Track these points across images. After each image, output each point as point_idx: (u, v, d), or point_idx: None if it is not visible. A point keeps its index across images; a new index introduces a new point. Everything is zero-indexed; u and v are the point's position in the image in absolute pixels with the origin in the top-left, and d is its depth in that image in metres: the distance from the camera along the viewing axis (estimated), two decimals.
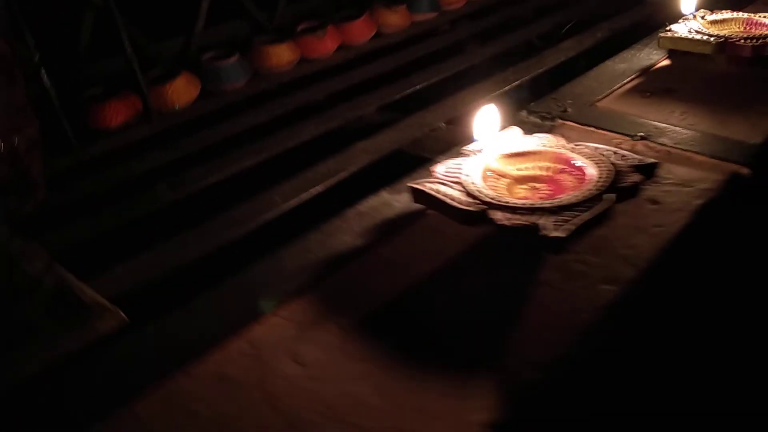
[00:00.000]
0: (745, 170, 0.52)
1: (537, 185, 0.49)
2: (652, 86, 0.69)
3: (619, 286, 0.43)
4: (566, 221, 0.42)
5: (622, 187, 0.45)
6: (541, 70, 0.80)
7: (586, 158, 0.49)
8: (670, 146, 0.56)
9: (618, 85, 0.70)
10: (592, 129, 0.61)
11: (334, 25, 0.98)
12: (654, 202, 0.50)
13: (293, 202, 0.57)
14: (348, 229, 0.51)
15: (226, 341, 0.42)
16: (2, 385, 0.38)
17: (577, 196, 0.44)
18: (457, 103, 0.75)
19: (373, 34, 1.03)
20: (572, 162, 0.49)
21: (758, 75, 0.66)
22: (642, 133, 0.59)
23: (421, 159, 0.62)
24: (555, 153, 0.51)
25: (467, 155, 0.52)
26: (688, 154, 0.55)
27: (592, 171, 0.47)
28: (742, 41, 0.66)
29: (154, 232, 0.58)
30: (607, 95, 0.68)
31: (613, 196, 0.44)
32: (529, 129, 0.63)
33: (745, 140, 0.56)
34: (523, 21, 1.09)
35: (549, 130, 0.62)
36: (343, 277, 0.46)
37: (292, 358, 0.40)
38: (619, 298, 0.42)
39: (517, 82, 0.77)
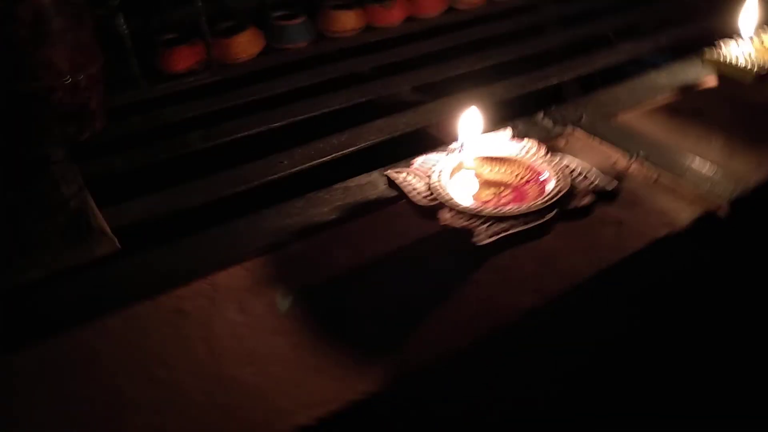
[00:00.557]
0: (722, 211, 0.52)
1: (503, 191, 0.52)
2: (684, 106, 0.67)
3: (544, 297, 0.45)
4: (504, 231, 0.45)
5: (568, 207, 0.47)
6: (583, 72, 0.79)
7: (554, 173, 0.50)
8: (664, 171, 0.56)
9: (649, 100, 0.69)
10: (597, 142, 0.61)
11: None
12: (618, 223, 0.51)
13: (296, 169, 0.62)
14: (329, 202, 0.56)
15: (193, 280, 0.49)
16: (7, 283, 0.47)
17: (519, 208, 0.46)
18: (491, 92, 0.76)
19: (445, 8, 1.05)
20: (540, 174, 0.51)
21: None
22: (643, 154, 0.59)
23: (435, 144, 0.65)
24: (529, 162, 0.53)
25: (450, 151, 0.55)
26: (679, 181, 0.55)
27: (550, 186, 0.49)
28: None
29: (181, 173, 0.66)
30: (633, 109, 0.67)
31: (552, 214, 0.46)
32: (538, 133, 0.64)
33: (742, 178, 0.55)
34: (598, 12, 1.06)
35: (556, 137, 0.63)
36: (308, 245, 0.52)
37: (239, 306, 0.47)
38: (540, 308, 0.44)
39: (555, 81, 0.78)
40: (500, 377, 0.46)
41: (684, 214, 0.52)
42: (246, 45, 0.90)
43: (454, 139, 0.54)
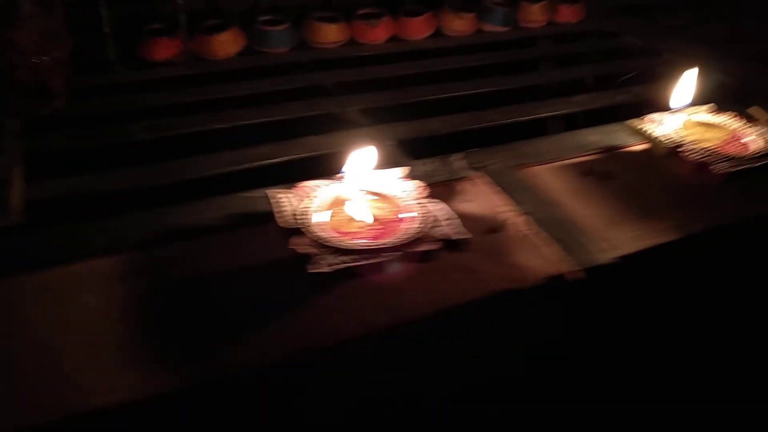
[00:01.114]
0: (573, 276, 0.53)
1: (373, 225, 0.55)
2: (598, 168, 0.68)
3: (363, 329, 0.48)
4: (344, 263, 0.49)
5: (408, 250, 0.50)
6: (521, 118, 0.81)
7: (417, 216, 0.53)
8: (542, 228, 0.58)
9: (567, 156, 0.70)
10: (496, 190, 0.64)
11: (391, 18, 1.04)
12: (469, 272, 0.53)
13: (212, 173, 0.67)
14: (222, 208, 0.60)
15: (72, 262, 0.54)
16: None
17: (364, 244, 0.50)
18: (427, 125, 0.79)
19: (431, 32, 1.07)
20: (405, 215, 0.54)
21: (705, 190, 0.64)
22: (529, 209, 0.61)
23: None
24: (402, 202, 0.56)
25: (337, 180, 0.58)
26: (549, 241, 0.57)
27: (405, 228, 0.52)
28: (690, 154, 0.64)
29: (121, 159, 0.71)
30: (548, 162, 0.69)
31: (389, 256, 0.49)
32: (446, 173, 0.67)
33: (614, 248, 0.56)
34: (589, 57, 1.07)
35: (460, 180, 0.66)
36: (187, 246, 0.56)
37: (101, 291, 0.51)
38: (355, 339, 0.48)
39: (495, 123, 0.80)
40: (302, 397, 0.49)
41: (538, 273, 0.54)
42: (225, 44, 0.95)
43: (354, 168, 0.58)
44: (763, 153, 0.63)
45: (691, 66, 0.74)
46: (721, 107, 0.74)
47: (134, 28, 0.92)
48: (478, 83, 0.90)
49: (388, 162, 0.67)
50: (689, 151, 0.63)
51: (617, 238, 0.57)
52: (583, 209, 0.61)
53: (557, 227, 0.58)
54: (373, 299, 0.50)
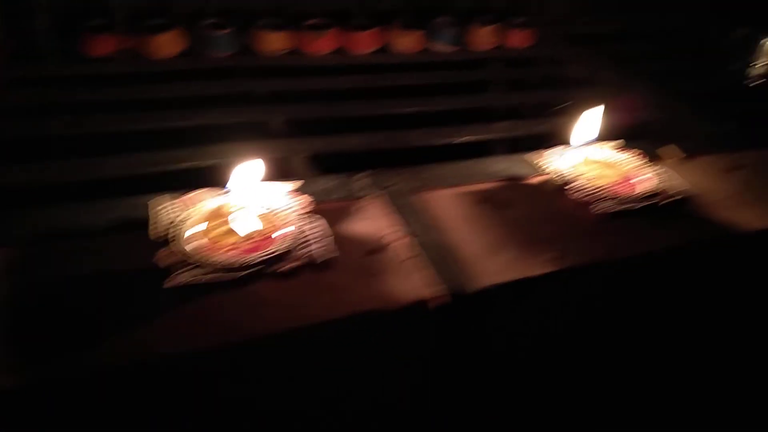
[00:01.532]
0: (438, 302, 0.54)
1: (247, 240, 0.56)
2: (497, 197, 0.69)
3: (216, 343, 0.49)
4: (202, 277, 0.50)
5: (271, 268, 0.51)
6: (438, 142, 0.82)
7: (290, 233, 0.55)
8: (423, 253, 0.59)
9: (469, 183, 0.71)
10: (390, 212, 0.65)
11: (338, 30, 1.05)
12: (336, 291, 0.54)
13: (119, 174, 0.68)
14: (110, 211, 0.61)
15: None
16: None
17: (225, 259, 0.51)
18: (345, 140, 0.80)
19: (377, 48, 1.09)
20: (278, 231, 0.55)
21: (586, 227, 0.65)
22: (416, 232, 0.62)
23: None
24: (279, 220, 0.57)
25: (223, 193, 0.59)
26: (427, 265, 0.58)
27: (273, 245, 0.53)
28: (575, 192, 0.65)
29: (37, 153, 0.72)
30: (449, 188, 0.70)
31: (248, 271, 0.50)
32: (345, 192, 0.68)
33: (487, 276, 0.57)
34: (532, 84, 1.09)
35: (357, 199, 0.67)
36: (60, 247, 0.57)
37: None
38: (207, 352, 0.49)
39: (403, 146, 0.81)
40: (152, 412, 0.50)
41: (404, 297, 0.55)
42: (166, 44, 0.96)
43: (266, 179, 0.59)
44: (647, 195, 0.64)
45: (616, 100, 0.75)
46: (634, 143, 0.75)
47: (77, 21, 0.93)
48: (414, 102, 0.91)
49: (293, 175, 0.68)
50: (575, 189, 0.65)
51: (491, 268, 0.59)
52: (470, 236, 0.63)
53: (438, 252, 0.59)
54: (234, 313, 0.51)
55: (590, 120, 0.71)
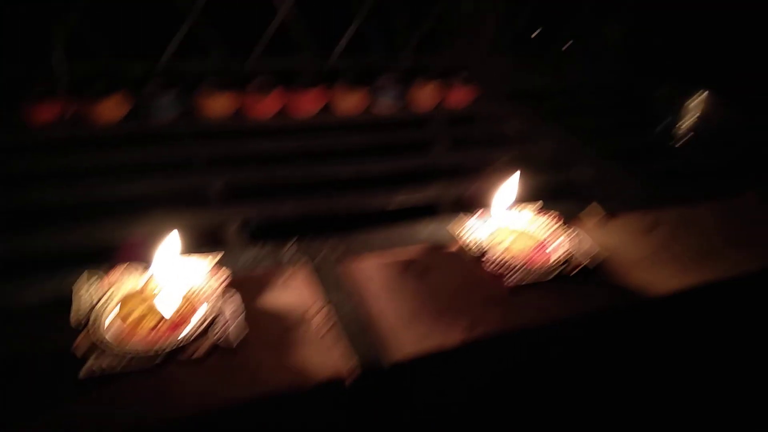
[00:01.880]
0: (350, 376, 0.56)
1: (167, 321, 0.58)
2: (420, 263, 0.72)
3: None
4: (111, 367, 0.51)
5: (181, 355, 0.53)
6: (371, 206, 0.85)
7: (201, 317, 0.57)
8: (341, 325, 0.61)
9: (393, 249, 0.73)
10: (313, 283, 0.67)
11: (282, 90, 1.08)
12: (248, 370, 0.56)
13: (28, 250, 0.70)
14: (29, 292, 0.62)
15: None
16: None
17: (138, 346, 0.52)
18: (277, 206, 0.82)
19: (321, 108, 1.12)
20: (192, 314, 0.57)
21: (500, 297, 0.67)
22: (336, 306, 0.64)
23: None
24: (200, 297, 0.59)
25: (147, 269, 0.61)
26: (343, 338, 0.60)
27: (182, 331, 0.55)
28: (489, 264, 0.68)
29: None
30: (373, 256, 0.72)
31: (153, 361, 0.52)
32: (270, 260, 0.70)
33: (399, 349, 0.59)
34: (474, 142, 1.13)
35: (283, 269, 0.69)
36: None
37: None
38: None
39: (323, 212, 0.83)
40: None
41: (318, 373, 0.57)
42: (109, 109, 0.98)
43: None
44: (559, 264, 0.68)
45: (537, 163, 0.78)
46: (557, 203, 0.78)
47: (20, 88, 0.95)
48: (355, 163, 0.94)
49: (225, 244, 0.70)
50: (489, 260, 0.68)
51: (406, 339, 0.61)
52: (389, 306, 0.65)
53: (357, 325, 0.61)
54: (147, 400, 0.52)
55: (509, 185, 0.74)
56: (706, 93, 1.15)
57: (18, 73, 0.95)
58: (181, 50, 1.05)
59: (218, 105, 1.03)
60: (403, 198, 0.88)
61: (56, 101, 0.94)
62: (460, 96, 1.19)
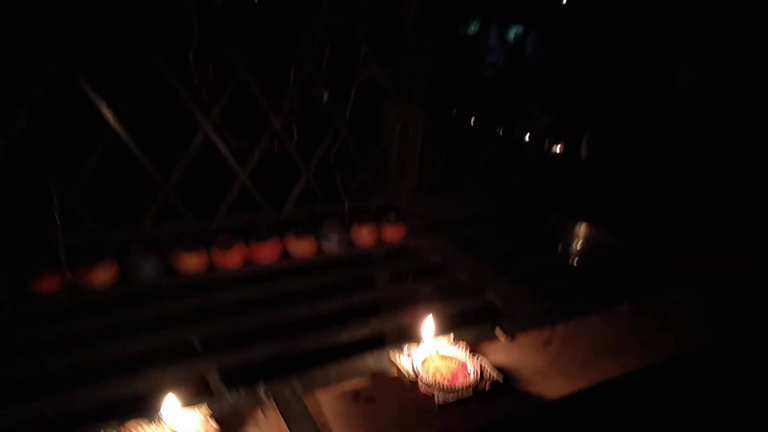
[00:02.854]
0: None
1: None
2: (367, 393, 0.90)
3: None
4: None
5: None
6: (327, 343, 1.05)
7: None
8: None
9: (346, 380, 0.91)
10: (274, 422, 0.84)
11: (242, 244, 1.29)
12: None
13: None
14: None
15: None
16: None
17: None
18: (246, 355, 1.01)
19: (279, 256, 1.33)
20: None
21: (433, 415, 0.87)
22: None
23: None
24: None
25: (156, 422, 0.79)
26: None
27: None
28: (421, 386, 0.89)
29: None
30: (329, 388, 0.90)
31: None
32: (244, 403, 0.87)
33: None
34: (407, 274, 1.35)
35: (251, 410, 0.86)
36: None
37: None
38: None
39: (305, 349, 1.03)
40: None
41: None
42: (99, 275, 1.16)
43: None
44: (476, 382, 0.88)
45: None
46: (466, 330, 1.00)
47: (24, 262, 1.13)
48: (310, 304, 1.14)
49: (207, 392, 0.87)
50: (422, 383, 0.88)
51: None
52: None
53: None
54: None
55: (430, 318, 0.96)
56: (584, 223, 1.43)
57: (24, 251, 1.13)
58: (158, 217, 1.26)
59: (192, 261, 1.23)
60: (352, 333, 1.08)
61: (56, 272, 1.12)
62: (393, 232, 1.43)
